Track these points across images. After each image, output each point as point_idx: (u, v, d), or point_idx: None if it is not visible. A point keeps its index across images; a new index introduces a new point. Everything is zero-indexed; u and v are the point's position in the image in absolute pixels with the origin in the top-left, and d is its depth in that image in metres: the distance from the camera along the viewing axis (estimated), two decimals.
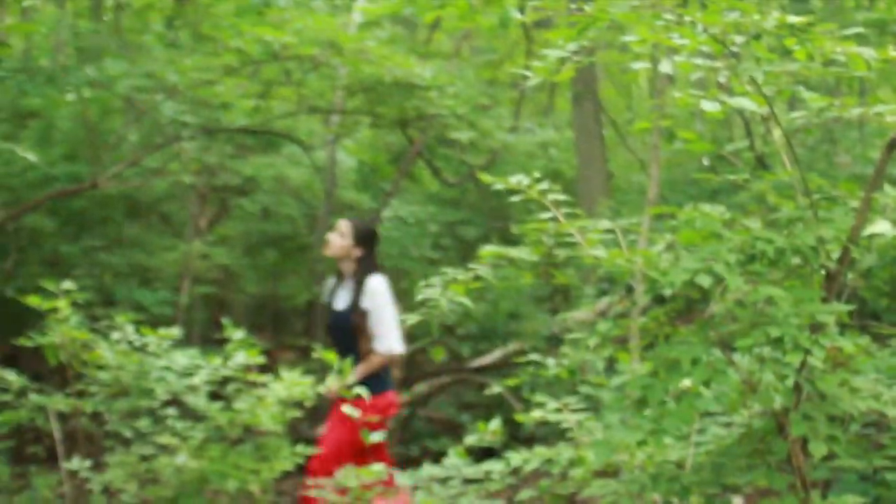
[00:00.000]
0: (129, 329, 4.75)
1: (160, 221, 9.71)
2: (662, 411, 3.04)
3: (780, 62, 3.20)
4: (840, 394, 3.23)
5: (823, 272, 3.32)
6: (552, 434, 5.35)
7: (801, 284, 3.28)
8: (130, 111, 8.02)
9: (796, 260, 3.22)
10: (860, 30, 3.47)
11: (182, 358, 4.69)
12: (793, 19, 3.15)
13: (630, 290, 4.13)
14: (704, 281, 3.01)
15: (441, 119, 7.99)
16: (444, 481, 4.28)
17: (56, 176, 7.95)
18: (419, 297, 3.70)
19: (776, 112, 3.31)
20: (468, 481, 4.24)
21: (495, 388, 5.05)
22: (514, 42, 11.39)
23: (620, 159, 11.58)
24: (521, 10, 6.66)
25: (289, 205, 9.49)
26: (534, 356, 4.24)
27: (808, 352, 2.97)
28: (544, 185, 3.79)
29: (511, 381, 4.44)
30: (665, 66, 3.43)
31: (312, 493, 4.58)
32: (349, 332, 5.43)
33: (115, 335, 4.71)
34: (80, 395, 4.76)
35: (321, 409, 5.59)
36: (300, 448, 4.63)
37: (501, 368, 7.93)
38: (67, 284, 4.72)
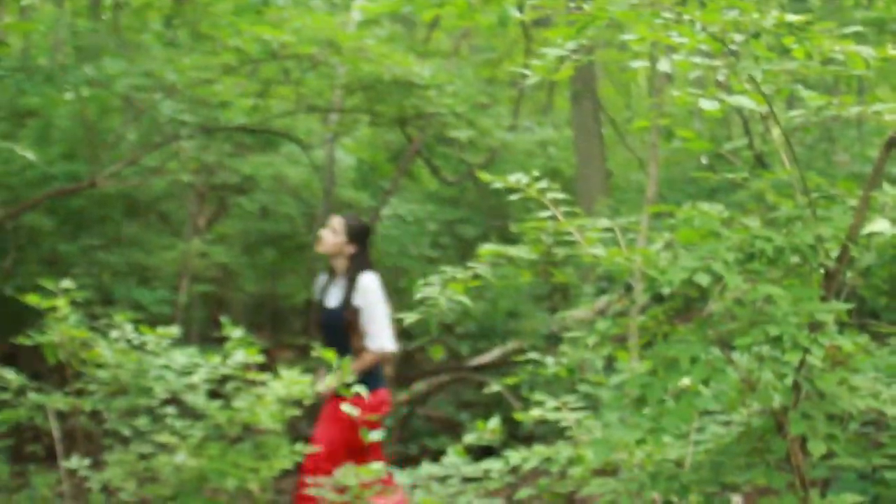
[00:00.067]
0: (128, 328, 4.75)
1: (159, 220, 9.70)
2: (661, 410, 3.05)
3: (779, 61, 3.20)
4: (839, 392, 3.23)
5: (822, 271, 3.32)
6: (551, 433, 5.36)
7: (799, 283, 3.29)
8: (129, 110, 8.02)
9: (795, 258, 3.23)
10: (859, 28, 3.47)
11: (181, 356, 4.68)
12: (791, 18, 3.16)
13: (629, 288, 4.13)
14: (703, 279, 3.01)
15: (440, 117, 7.98)
16: (442, 480, 4.28)
17: (54, 175, 7.94)
18: (418, 296, 3.70)
19: (775, 111, 3.31)
20: (467, 480, 4.25)
21: (494, 387, 5.07)
22: (513, 41, 11.38)
23: (619, 158, 11.57)
24: (520, 8, 6.66)
25: (287, 203, 9.49)
26: (533, 355, 4.24)
27: (807, 350, 2.97)
28: (543, 184, 3.80)
29: (510, 380, 4.44)
30: (664, 65, 3.44)
31: (307, 492, 4.59)
32: (341, 330, 5.42)
33: (114, 334, 4.71)
34: (79, 393, 4.75)
35: (319, 408, 5.59)
36: (299, 446, 4.64)
37: (500, 367, 7.93)
38: (66, 283, 4.72)
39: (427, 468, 4.34)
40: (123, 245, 8.69)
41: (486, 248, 3.71)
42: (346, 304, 5.42)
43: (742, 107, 3.20)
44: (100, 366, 4.64)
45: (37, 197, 7.64)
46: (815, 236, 3.18)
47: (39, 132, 8.46)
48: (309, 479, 4.64)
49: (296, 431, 5.84)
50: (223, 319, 4.75)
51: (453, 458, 4.33)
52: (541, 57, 3.42)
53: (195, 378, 4.59)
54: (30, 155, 7.18)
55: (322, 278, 5.72)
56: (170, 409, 4.62)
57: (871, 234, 3.29)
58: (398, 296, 7.72)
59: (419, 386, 8.09)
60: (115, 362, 4.61)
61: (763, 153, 8.23)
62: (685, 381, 3.09)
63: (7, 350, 6.71)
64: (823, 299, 3.21)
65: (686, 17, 3.12)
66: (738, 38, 3.19)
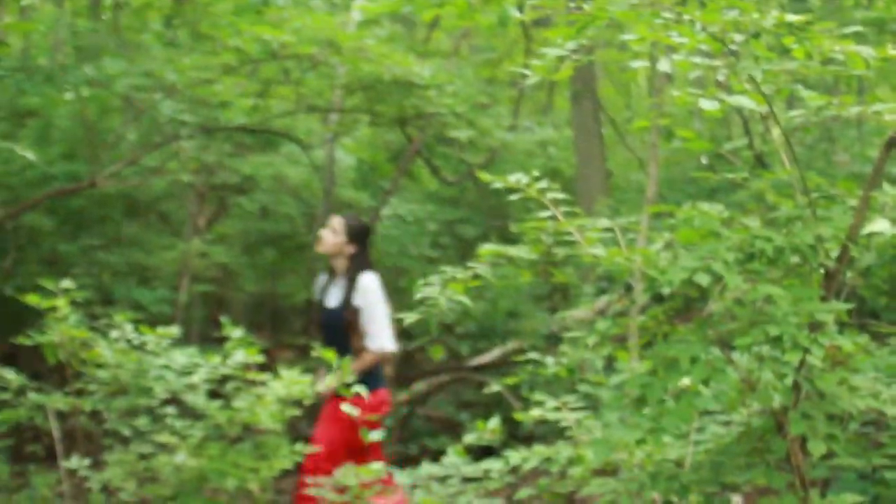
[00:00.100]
0: (128, 328, 4.75)
1: (159, 220, 9.70)
2: (661, 410, 3.05)
3: (779, 61, 3.20)
4: (839, 392, 3.23)
5: (822, 271, 3.32)
6: (551, 433, 5.36)
7: (799, 283, 3.29)
8: (129, 110, 8.02)
9: (795, 258, 3.23)
10: (859, 28, 3.47)
11: (181, 356, 4.68)
12: (791, 18, 3.16)
13: (629, 288, 4.13)
14: (703, 279, 3.01)
15: (440, 117, 7.98)
16: (442, 480, 4.28)
17: (54, 175, 7.94)
18: (418, 296, 3.70)
19: (775, 111, 3.31)
20: (467, 480, 4.25)
21: (494, 387, 5.07)
22: (513, 41, 11.38)
23: (619, 158, 11.57)
24: (520, 8, 6.66)
25: (287, 203, 9.49)
26: (533, 355, 4.24)
27: (807, 350, 2.97)
28: (543, 184, 3.79)
29: (510, 380, 4.44)
30: (664, 65, 3.44)
31: (307, 492, 4.59)
32: (341, 330, 5.41)
33: (114, 334, 4.71)
34: (79, 393, 4.75)
35: (319, 408, 5.59)
36: (299, 446, 4.63)
37: (500, 367, 7.93)
38: (66, 283, 4.72)
39: (427, 468, 4.34)
40: (123, 245, 8.69)
41: (486, 248, 3.71)
42: (346, 304, 5.42)
43: (742, 107, 3.20)
44: (100, 366, 4.64)
45: (37, 197, 7.64)
46: (815, 236, 3.18)
47: (39, 132, 8.46)
48: (309, 480, 4.64)
49: (296, 431, 5.84)
50: (223, 319, 4.75)
51: (453, 458, 4.33)
52: (541, 57, 3.42)
53: (195, 378, 4.59)
54: (30, 155, 7.18)
55: (322, 278, 5.71)
56: (170, 409, 4.62)
57: (871, 234, 3.29)
58: (398, 296, 7.72)
59: (419, 386, 8.08)
60: (115, 362, 4.61)
61: (763, 153, 8.23)
62: (685, 381, 3.09)
63: (7, 350, 6.71)
64: (823, 299, 3.21)
65: (686, 17, 3.12)
66: (738, 38, 3.19)
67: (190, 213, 9.02)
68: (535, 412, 4.14)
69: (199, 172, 8.51)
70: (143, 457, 4.56)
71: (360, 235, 5.54)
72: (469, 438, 4.36)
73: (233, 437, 4.53)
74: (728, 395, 3.29)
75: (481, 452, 4.74)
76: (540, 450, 3.98)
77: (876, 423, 4.02)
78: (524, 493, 4.14)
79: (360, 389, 4.52)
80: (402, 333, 6.58)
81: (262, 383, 4.55)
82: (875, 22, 7.29)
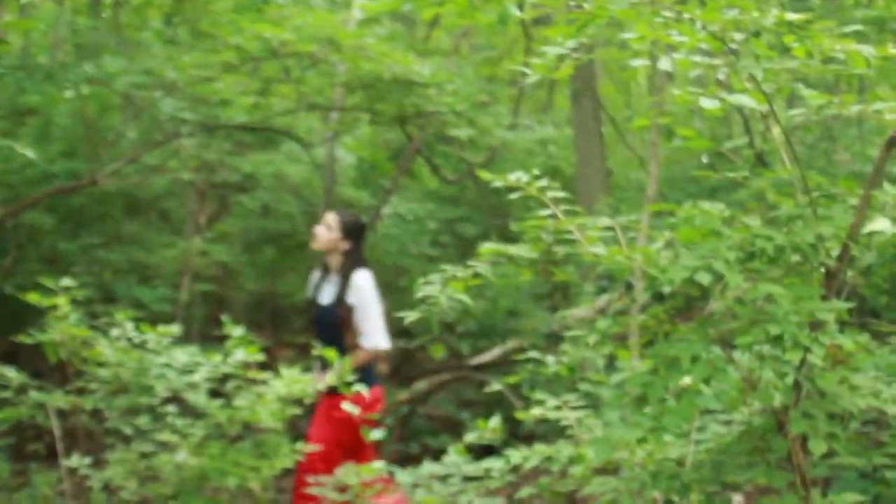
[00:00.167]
0: (129, 326, 4.75)
1: (159, 218, 9.70)
2: (662, 409, 3.05)
3: (780, 59, 3.20)
4: (840, 391, 3.23)
5: (823, 270, 3.32)
6: (552, 431, 5.36)
7: (800, 282, 3.29)
8: (129, 108, 8.01)
9: (796, 257, 3.23)
10: (859, 27, 3.47)
11: (182, 355, 4.68)
12: (792, 16, 3.15)
13: (629, 287, 4.13)
14: (704, 278, 3.01)
15: (440, 116, 7.98)
16: (443, 479, 4.28)
17: (55, 173, 7.94)
18: (418, 295, 3.70)
19: (775, 109, 3.31)
20: (468, 479, 4.25)
21: (495, 386, 5.07)
22: (513, 39, 11.36)
23: (619, 156, 11.57)
24: (521, 7, 6.65)
25: (288, 202, 9.48)
26: (533, 353, 4.24)
27: (807, 349, 2.97)
28: (543, 183, 3.79)
29: (511, 379, 4.45)
30: (664, 64, 3.43)
31: (304, 491, 4.59)
32: (334, 327, 5.40)
33: (115, 332, 4.71)
34: (80, 392, 4.75)
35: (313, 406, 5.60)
36: (300, 445, 4.64)
37: (501, 366, 7.93)
38: (67, 281, 4.72)
39: (428, 467, 4.33)
40: (124, 243, 8.69)
41: (487, 247, 3.71)
42: (340, 301, 5.40)
43: (742, 105, 3.20)
44: (101, 364, 4.64)
45: (37, 195, 7.64)
46: (816, 235, 3.18)
47: (40, 130, 8.46)
48: (305, 479, 4.64)
49: (296, 430, 5.84)
50: (224, 318, 4.75)
51: (454, 457, 4.33)
52: (541, 55, 3.42)
53: (196, 377, 4.59)
54: (30, 153, 7.17)
55: (316, 275, 5.69)
56: (171, 408, 4.62)
57: (871, 233, 3.29)
58: (398, 294, 7.72)
59: (420, 385, 8.08)
60: (116, 361, 4.61)
61: (764, 152, 8.23)
62: (686, 380, 3.09)
63: (8, 348, 6.71)
64: (824, 298, 3.21)
65: (686, 15, 3.12)
66: (739, 36, 3.19)
67: (190, 212, 9.02)
68: (536, 411, 4.14)
69: (200, 170, 8.51)
70: (144, 455, 4.57)
71: (354, 232, 5.51)
72: (470, 437, 4.36)
73: (233, 435, 4.54)
74: (729, 394, 3.29)
75: (482, 451, 4.74)
76: (541, 449, 3.98)
77: (877, 421, 4.02)
78: (525, 492, 4.14)
79: (360, 388, 4.52)
80: (403, 332, 6.59)
81: (263, 382, 4.56)
82: (875, 21, 7.29)
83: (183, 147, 8.20)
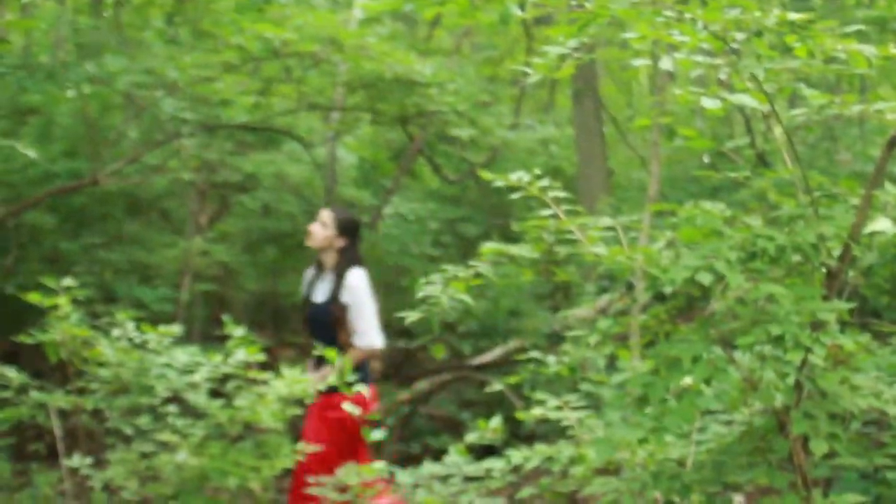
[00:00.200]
0: (130, 326, 4.75)
1: (160, 218, 9.71)
2: (663, 409, 3.04)
3: (781, 59, 3.20)
4: (841, 392, 3.23)
5: (824, 270, 3.31)
6: (553, 432, 5.35)
7: (801, 282, 3.28)
8: (130, 108, 8.02)
9: (797, 257, 3.22)
10: (861, 27, 3.47)
11: (182, 355, 4.68)
12: (793, 16, 3.15)
13: (631, 287, 4.12)
14: (705, 278, 3.01)
15: (441, 116, 7.98)
16: (444, 479, 4.28)
17: (56, 172, 7.95)
18: (420, 295, 3.70)
19: (777, 109, 3.31)
20: (469, 479, 4.25)
21: (496, 386, 5.06)
22: (515, 39, 11.37)
23: (621, 156, 11.58)
24: (522, 6, 6.65)
25: (289, 202, 9.48)
26: (534, 354, 4.24)
27: (808, 350, 2.97)
28: (545, 182, 3.79)
29: (512, 379, 4.44)
30: (665, 63, 3.43)
31: (303, 492, 4.58)
32: (328, 325, 5.38)
33: (116, 332, 4.71)
34: (81, 392, 4.75)
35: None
36: (300, 445, 4.63)
37: (502, 366, 7.93)
38: (68, 281, 4.72)
39: (429, 467, 4.33)
40: (125, 243, 8.69)
41: (488, 247, 3.71)
42: (334, 299, 5.38)
43: (744, 105, 3.20)
44: (101, 364, 4.64)
45: (38, 195, 7.64)
46: (817, 235, 3.18)
47: (41, 130, 8.47)
48: (302, 480, 4.63)
49: (297, 430, 5.84)
50: (225, 318, 4.75)
51: (455, 457, 4.33)
52: (542, 55, 3.41)
53: (197, 377, 4.58)
54: (31, 153, 7.18)
55: (310, 272, 5.66)
56: (171, 408, 4.62)
57: (873, 233, 3.29)
58: (400, 294, 7.72)
59: (421, 385, 8.08)
60: (117, 361, 4.60)
61: (765, 152, 8.22)
62: (687, 381, 3.09)
63: (9, 348, 6.71)
64: (825, 298, 3.21)
65: (687, 15, 3.12)
66: (740, 36, 3.19)
67: (191, 212, 9.02)
68: (537, 411, 4.14)
69: (201, 170, 8.51)
70: (144, 455, 4.56)
71: (349, 229, 5.48)
72: (471, 437, 4.36)
73: (234, 435, 4.53)
74: (730, 394, 3.29)
75: (483, 451, 4.74)
76: (542, 449, 3.98)
77: (878, 422, 4.02)
78: (526, 492, 4.14)
79: (360, 388, 4.52)
80: (404, 332, 6.58)
81: (264, 382, 4.55)
82: (877, 20, 7.28)
83: (184, 147, 8.20)
